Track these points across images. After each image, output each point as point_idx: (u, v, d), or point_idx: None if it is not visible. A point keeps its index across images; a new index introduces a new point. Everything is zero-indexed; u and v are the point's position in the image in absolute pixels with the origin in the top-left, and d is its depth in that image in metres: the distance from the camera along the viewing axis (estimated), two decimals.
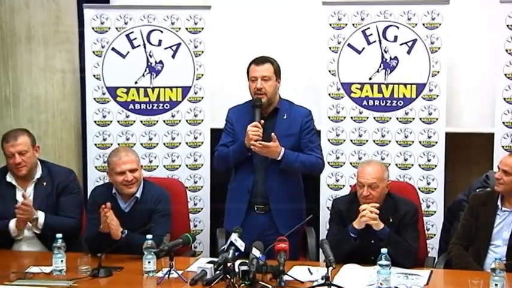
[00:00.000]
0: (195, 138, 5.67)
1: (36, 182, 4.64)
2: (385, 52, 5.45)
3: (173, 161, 5.60)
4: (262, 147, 4.40)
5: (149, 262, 4.02)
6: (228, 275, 3.80)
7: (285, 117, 4.53)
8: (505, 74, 5.29)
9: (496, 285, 3.70)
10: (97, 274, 4.09)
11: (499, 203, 4.19)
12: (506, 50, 5.33)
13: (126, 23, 5.56)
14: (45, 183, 4.57)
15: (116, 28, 5.55)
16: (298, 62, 5.13)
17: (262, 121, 4.40)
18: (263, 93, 4.50)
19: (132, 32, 5.59)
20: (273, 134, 4.43)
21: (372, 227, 4.46)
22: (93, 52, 5.54)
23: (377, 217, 4.43)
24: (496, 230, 4.32)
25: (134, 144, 5.46)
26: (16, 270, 4.35)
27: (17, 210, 4.56)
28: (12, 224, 4.59)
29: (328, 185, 5.52)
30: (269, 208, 4.62)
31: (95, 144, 5.56)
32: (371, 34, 5.50)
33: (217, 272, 3.91)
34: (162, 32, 5.60)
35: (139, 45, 5.58)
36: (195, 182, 5.60)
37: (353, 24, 5.49)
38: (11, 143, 4.49)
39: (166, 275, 4.00)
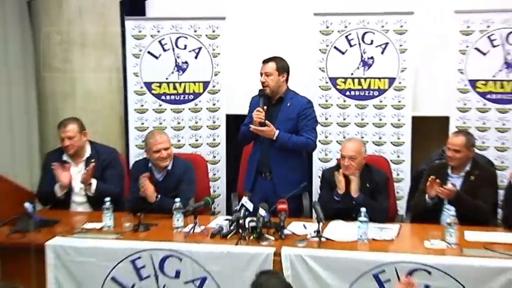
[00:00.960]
0: (214, 122, 5.67)
1: (85, 160, 4.67)
2: (364, 53, 5.38)
3: (196, 140, 5.62)
4: (258, 130, 4.44)
5: (178, 220, 4.13)
6: (240, 230, 3.85)
7: (288, 104, 4.51)
8: (458, 70, 5.31)
9: (451, 235, 3.75)
10: (137, 229, 4.13)
11: (449, 171, 4.26)
12: (459, 51, 5.34)
13: (158, 31, 5.55)
14: (93, 160, 4.47)
15: (151, 35, 5.55)
16: (294, 61, 4.99)
17: (265, 107, 4.43)
18: (266, 86, 4.55)
19: (163, 39, 5.56)
20: (266, 121, 4.51)
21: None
22: (133, 55, 5.50)
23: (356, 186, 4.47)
24: None
25: (166, 127, 5.51)
26: (75, 225, 4.48)
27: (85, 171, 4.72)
28: (56, 186, 4.78)
29: (319, 159, 5.53)
30: (272, 176, 4.41)
31: (135, 128, 5.58)
32: (352, 39, 5.41)
33: (232, 227, 4.00)
34: (187, 38, 5.54)
35: (169, 49, 5.59)
36: (214, 157, 5.66)
37: (338, 31, 5.38)
38: (62, 129, 4.60)
39: (192, 230, 4.08)
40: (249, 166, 4.77)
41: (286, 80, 4.56)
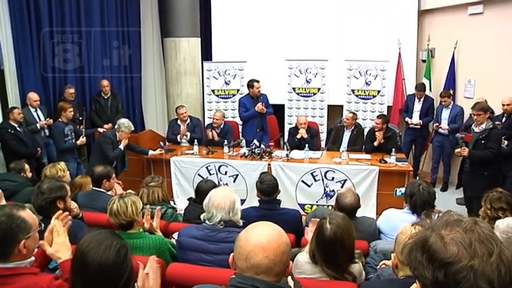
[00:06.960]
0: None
1: (188, 123, 5.20)
2: (323, 77, 6.08)
3: (234, 116, 6.05)
4: (262, 110, 5.17)
5: (226, 149, 4.95)
6: (253, 153, 4.01)
7: (261, 98, 5.26)
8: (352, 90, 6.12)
9: (344, 156, 3.89)
10: (208, 153, 4.62)
11: (345, 129, 5.09)
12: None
13: (217, 67, 6.43)
14: (189, 122, 5.17)
15: (214, 69, 6.33)
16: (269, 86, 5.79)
17: (260, 103, 5.23)
18: (259, 91, 5.16)
19: (225, 72, 6.34)
20: (263, 107, 5.06)
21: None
22: (207, 78, 6.10)
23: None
24: (344, 139, 5.19)
25: (222, 109, 5.77)
26: (182, 151, 4.75)
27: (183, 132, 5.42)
28: (178, 137, 5.31)
29: (288, 123, 6.26)
30: (263, 130, 5.14)
31: (207, 109, 6.56)
32: (314, 75, 6.08)
33: (249, 152, 4.88)
34: (229, 69, 6.43)
35: (222, 75, 6.38)
36: (241, 123, 5.69)
37: (300, 71, 6.05)
38: (180, 109, 5.26)
39: (231, 153, 4.80)
40: (251, 128, 5.36)
41: None
